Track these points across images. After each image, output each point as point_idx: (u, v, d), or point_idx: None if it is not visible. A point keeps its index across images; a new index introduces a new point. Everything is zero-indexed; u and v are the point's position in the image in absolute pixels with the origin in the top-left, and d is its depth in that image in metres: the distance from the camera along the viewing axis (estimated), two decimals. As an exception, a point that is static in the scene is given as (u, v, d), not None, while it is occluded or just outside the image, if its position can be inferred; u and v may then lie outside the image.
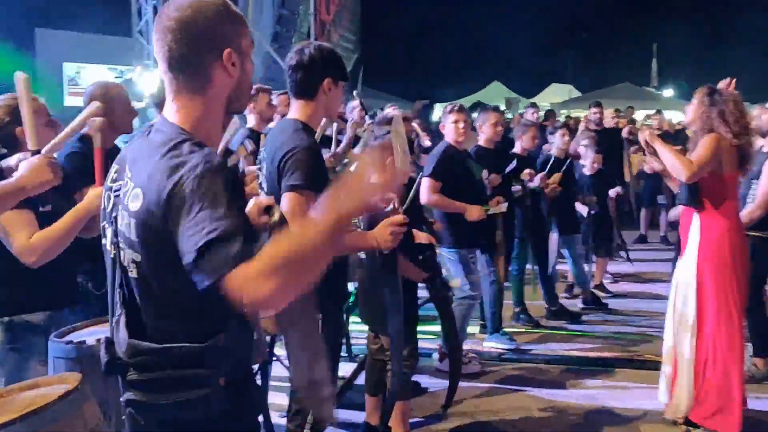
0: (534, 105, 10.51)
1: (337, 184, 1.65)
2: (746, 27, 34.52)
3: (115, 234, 1.75)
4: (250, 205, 2.41)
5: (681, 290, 4.23)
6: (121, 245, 1.73)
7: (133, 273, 1.72)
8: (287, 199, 2.79)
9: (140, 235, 1.66)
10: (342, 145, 5.87)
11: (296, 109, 3.02)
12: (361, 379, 4.58)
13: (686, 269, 4.20)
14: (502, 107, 23.24)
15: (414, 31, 33.81)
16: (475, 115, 6.68)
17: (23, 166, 2.51)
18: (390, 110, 8.08)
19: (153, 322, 1.73)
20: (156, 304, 1.71)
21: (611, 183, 7.63)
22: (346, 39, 17.23)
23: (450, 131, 5.34)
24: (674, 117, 20.16)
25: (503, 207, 5.53)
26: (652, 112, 19.86)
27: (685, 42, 36.62)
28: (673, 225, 7.97)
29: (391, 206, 3.29)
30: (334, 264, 2.93)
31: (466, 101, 25.65)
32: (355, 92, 9.12)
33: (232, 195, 1.60)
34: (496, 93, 26.80)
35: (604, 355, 5.71)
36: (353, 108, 7.75)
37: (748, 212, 4.88)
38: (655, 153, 4.31)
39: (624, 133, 10.11)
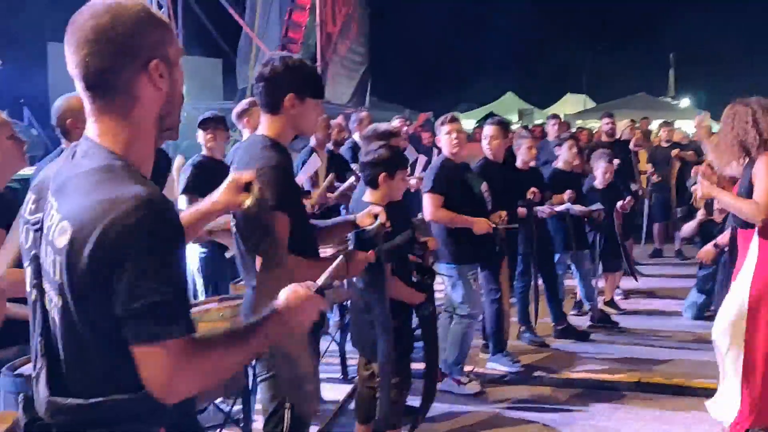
0: (555, 116, 10.24)
1: (286, 300, 1.71)
2: (764, 36, 34.16)
3: (37, 274, 1.54)
4: (228, 181, 2.22)
5: (731, 316, 3.93)
6: (44, 287, 1.52)
7: (56, 318, 1.50)
8: None
9: (67, 275, 1.44)
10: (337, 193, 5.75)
11: (264, 124, 2.83)
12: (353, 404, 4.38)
13: (738, 294, 3.90)
14: (515, 118, 23.10)
15: (425, 42, 33.72)
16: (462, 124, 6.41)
17: None
18: (395, 122, 7.94)
19: (79, 375, 1.50)
20: (83, 354, 1.49)
21: (622, 196, 7.36)
22: (353, 51, 17.11)
23: (445, 143, 5.16)
24: (690, 127, 19.89)
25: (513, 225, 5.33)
26: (668, 122, 19.57)
27: (702, 52, 36.29)
28: (688, 240, 7.75)
29: (377, 222, 3.10)
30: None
31: (480, 112, 25.53)
32: (361, 108, 9.02)
33: (174, 247, 1.45)
34: (509, 104, 26.64)
35: (612, 378, 5.46)
36: (358, 120, 7.60)
37: None
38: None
39: (631, 145, 9.88)
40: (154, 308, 1.40)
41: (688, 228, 5.09)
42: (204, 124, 5.14)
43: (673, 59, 32.61)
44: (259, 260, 2.36)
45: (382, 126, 5.46)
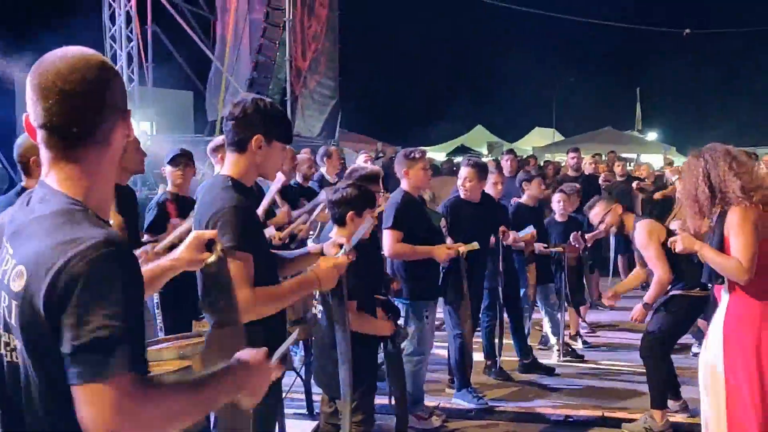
0: (511, 152, 10.39)
1: (243, 363, 1.72)
2: (729, 72, 35.02)
3: None
4: (190, 238, 2.22)
5: (708, 375, 3.80)
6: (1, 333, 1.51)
7: (10, 362, 1.49)
8: None
9: (22, 319, 1.43)
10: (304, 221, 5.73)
11: (228, 163, 2.84)
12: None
13: (713, 351, 3.75)
14: (485, 151, 23.35)
15: (394, 75, 34.07)
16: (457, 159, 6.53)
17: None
18: (361, 158, 7.99)
19: (32, 420, 1.48)
20: (37, 399, 1.47)
21: (584, 229, 7.43)
22: (323, 85, 17.24)
23: (415, 178, 5.15)
24: (656, 161, 20.25)
25: (475, 244, 5.29)
26: (634, 156, 19.96)
27: (668, 86, 37.07)
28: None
29: (342, 251, 3.10)
30: (270, 320, 2.77)
31: (450, 145, 25.82)
32: (331, 141, 9.07)
33: (128, 287, 1.43)
34: (479, 137, 26.96)
35: (577, 413, 5.48)
36: (326, 154, 7.64)
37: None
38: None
39: (600, 180, 10.03)
40: (99, 344, 1.36)
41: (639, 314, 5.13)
42: (174, 161, 5.11)
43: (639, 94, 33.29)
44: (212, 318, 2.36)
45: (367, 169, 5.42)
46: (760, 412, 3.60)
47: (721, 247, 3.69)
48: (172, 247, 3.98)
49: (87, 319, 1.37)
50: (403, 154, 5.25)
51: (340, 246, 3.09)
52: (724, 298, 3.74)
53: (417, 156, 5.17)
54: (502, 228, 6.00)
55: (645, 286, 9.67)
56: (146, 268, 2.19)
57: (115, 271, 1.42)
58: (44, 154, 1.57)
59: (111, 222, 1.64)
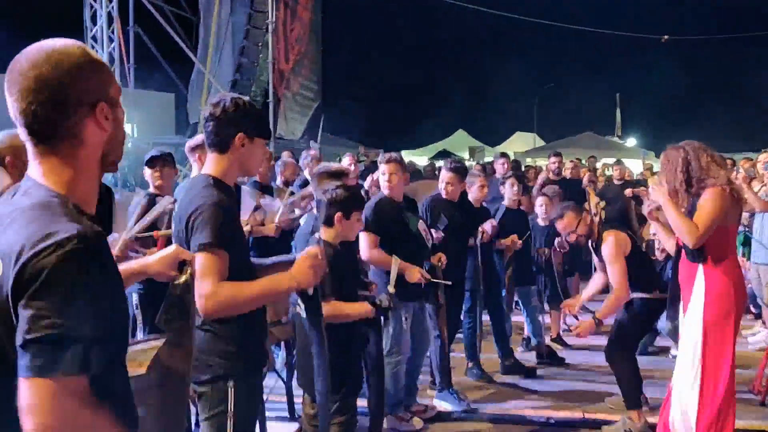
0: (504, 155, 10.41)
1: None
2: (708, 78, 35.42)
3: None
4: (169, 251, 2.22)
5: (688, 349, 4.07)
6: None
7: None
8: (197, 260, 2.60)
9: None
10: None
11: (209, 163, 2.84)
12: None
13: (692, 327, 4.06)
14: (466, 156, 23.40)
15: (377, 80, 34.14)
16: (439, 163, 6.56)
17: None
18: (345, 159, 7.99)
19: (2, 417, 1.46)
20: (8, 392, 1.43)
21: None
22: (306, 87, 17.22)
23: (383, 182, 5.12)
24: (636, 166, 20.42)
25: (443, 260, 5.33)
26: (613, 161, 20.08)
27: (647, 92, 37.39)
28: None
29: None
30: (249, 321, 2.76)
31: (431, 149, 25.84)
32: (312, 142, 9.05)
33: (96, 285, 1.41)
34: (460, 141, 27.02)
35: (559, 415, 5.50)
36: (308, 156, 7.64)
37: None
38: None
39: (584, 182, 10.08)
40: (51, 341, 1.34)
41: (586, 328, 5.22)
42: (151, 162, 5.07)
43: (619, 99, 33.58)
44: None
45: (334, 165, 5.47)
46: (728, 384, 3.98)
47: None
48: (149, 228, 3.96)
49: (43, 313, 1.34)
50: (386, 159, 5.20)
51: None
52: (699, 277, 4.01)
53: (383, 161, 5.18)
54: (481, 228, 6.02)
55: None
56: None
57: (83, 268, 1.40)
58: (27, 148, 1.58)
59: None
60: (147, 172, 5.10)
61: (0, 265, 1.42)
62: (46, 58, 1.52)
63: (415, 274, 4.85)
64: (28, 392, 1.34)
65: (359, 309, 3.68)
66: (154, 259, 2.23)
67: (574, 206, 5.50)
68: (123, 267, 2.20)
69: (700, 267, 4.02)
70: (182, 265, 2.20)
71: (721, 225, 3.91)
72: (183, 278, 2.16)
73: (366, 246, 4.86)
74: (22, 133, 1.56)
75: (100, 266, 1.45)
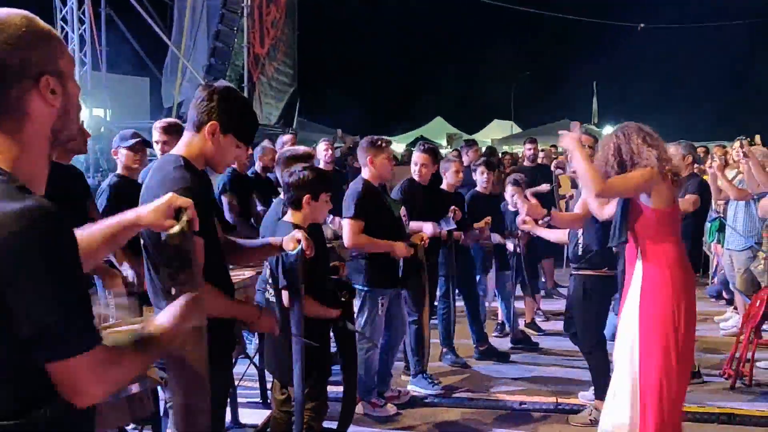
0: (470, 143, 10.37)
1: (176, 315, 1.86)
2: (683, 66, 35.69)
3: None
4: (162, 200, 2.10)
5: (624, 349, 3.94)
6: None
7: None
8: None
9: None
10: None
11: (182, 142, 2.77)
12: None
13: (629, 319, 3.92)
14: (444, 143, 23.41)
15: (355, 65, 33.98)
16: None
17: None
18: (321, 145, 7.91)
19: None
20: None
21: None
22: (281, 72, 17.06)
23: (380, 167, 5.08)
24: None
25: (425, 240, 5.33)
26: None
27: (624, 80, 37.62)
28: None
29: (299, 248, 3.07)
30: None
31: (409, 136, 25.80)
32: (289, 129, 8.96)
33: (65, 257, 1.42)
34: (438, 128, 27.02)
35: (531, 399, 5.51)
36: (283, 142, 7.56)
37: None
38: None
39: (552, 166, 10.08)
40: (55, 328, 1.40)
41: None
42: (133, 147, 4.96)
43: (596, 87, 33.74)
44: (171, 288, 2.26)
45: (300, 149, 5.41)
46: (674, 377, 3.78)
47: (627, 207, 3.92)
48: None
49: (37, 303, 1.38)
50: (369, 141, 5.10)
51: (298, 241, 3.06)
52: (637, 267, 3.90)
53: (383, 144, 5.10)
54: (452, 207, 6.00)
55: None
56: (106, 224, 2.10)
57: (53, 247, 1.39)
58: None
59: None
60: (127, 154, 4.97)
61: None
62: None
63: (403, 250, 4.88)
64: (59, 376, 1.45)
65: (327, 313, 3.70)
66: (147, 209, 2.11)
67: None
68: (115, 220, 2.13)
69: (639, 255, 3.90)
70: (177, 213, 2.09)
71: (654, 207, 3.82)
72: (179, 227, 2.04)
73: (350, 233, 4.82)
74: None
75: (66, 237, 1.44)
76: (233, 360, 4.13)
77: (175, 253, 2.04)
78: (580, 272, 5.01)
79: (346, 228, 4.86)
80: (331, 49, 30.52)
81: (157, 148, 5.24)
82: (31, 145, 1.53)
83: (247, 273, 4.55)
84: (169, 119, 5.76)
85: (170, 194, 2.13)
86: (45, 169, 1.60)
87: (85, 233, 2.06)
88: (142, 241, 2.66)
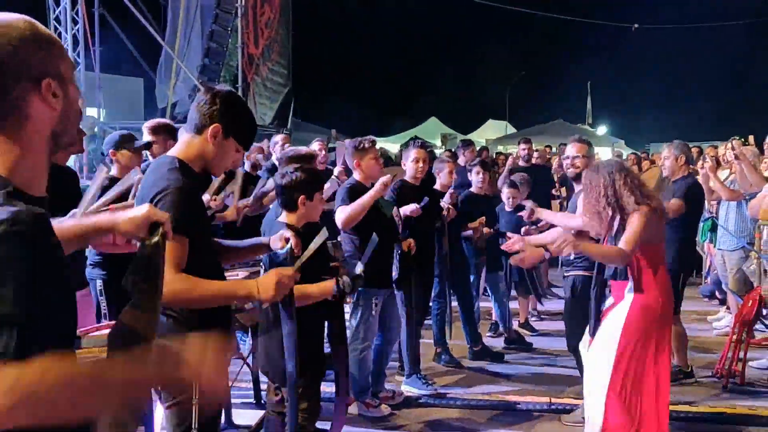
0: (467, 143, 10.39)
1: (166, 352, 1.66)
2: (676, 67, 35.77)
3: None
4: (141, 211, 2.06)
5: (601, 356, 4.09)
6: None
7: None
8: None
9: None
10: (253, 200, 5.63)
11: (180, 144, 2.77)
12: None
13: (610, 336, 4.07)
14: (438, 143, 23.43)
15: (349, 66, 33.98)
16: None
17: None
18: (314, 145, 7.91)
19: None
20: None
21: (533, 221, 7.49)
22: (275, 72, 17.06)
23: (367, 168, 5.08)
24: (606, 154, 20.57)
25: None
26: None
27: (618, 81, 37.69)
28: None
29: (288, 246, 3.07)
30: (215, 312, 2.70)
31: (403, 137, 25.79)
32: (284, 129, 8.95)
33: (31, 268, 1.37)
34: (433, 129, 27.03)
35: (526, 400, 5.52)
36: (276, 143, 7.56)
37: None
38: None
39: (554, 168, 10.11)
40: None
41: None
42: (138, 148, 4.93)
43: (590, 87, 33.79)
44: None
45: (303, 149, 5.42)
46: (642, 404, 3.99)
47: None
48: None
49: None
50: (353, 146, 5.10)
51: (287, 240, 3.06)
52: (627, 297, 4.08)
53: (367, 146, 5.08)
54: (447, 205, 6.01)
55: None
56: (81, 222, 2.10)
57: (15, 251, 1.35)
58: None
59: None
60: (127, 154, 4.93)
61: None
62: None
63: (381, 188, 4.84)
64: None
65: (323, 288, 3.60)
66: (124, 217, 2.07)
67: None
68: (91, 220, 2.11)
69: (631, 289, 4.09)
70: (154, 227, 2.07)
71: (650, 243, 4.00)
72: (154, 239, 2.02)
73: (343, 216, 4.81)
74: None
75: (35, 247, 1.40)
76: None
77: (144, 263, 2.04)
78: (571, 273, 5.06)
79: (339, 214, 4.84)
80: (325, 49, 30.52)
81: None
82: (32, 147, 1.53)
83: (242, 273, 4.55)
84: (158, 120, 5.74)
85: (148, 206, 2.10)
86: (45, 172, 1.60)
87: (56, 225, 2.07)
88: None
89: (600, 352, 4.09)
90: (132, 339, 1.72)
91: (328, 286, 3.58)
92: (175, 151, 2.75)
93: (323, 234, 3.24)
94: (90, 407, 1.43)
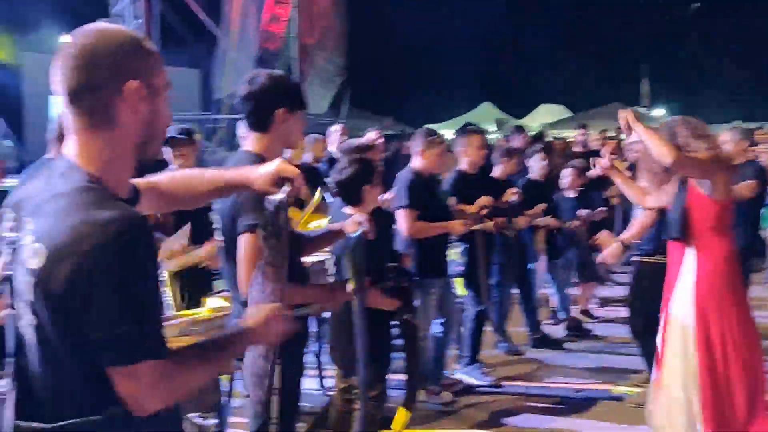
0: (520, 129, 10.33)
1: (252, 320, 1.85)
2: (738, 47, 34.67)
3: (12, 293, 1.56)
4: (271, 167, 2.14)
5: (678, 334, 3.93)
6: (17, 306, 1.54)
7: (28, 338, 1.52)
8: (243, 241, 2.61)
9: (39, 295, 1.46)
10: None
11: (251, 141, 2.85)
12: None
13: (683, 310, 3.90)
14: (492, 128, 23.25)
15: (402, 52, 33.83)
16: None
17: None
18: (370, 134, 7.97)
19: (47, 397, 1.52)
20: (51, 374, 1.51)
21: (594, 205, 7.41)
22: (331, 62, 17.17)
23: (429, 161, 5.13)
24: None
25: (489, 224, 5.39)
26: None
27: (677, 61, 36.71)
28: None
29: (360, 230, 3.11)
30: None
31: (456, 122, 25.63)
32: (338, 118, 9.02)
33: (141, 269, 1.48)
34: (485, 114, 26.78)
35: (585, 388, 5.51)
36: (333, 132, 7.64)
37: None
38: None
39: (605, 153, 9.95)
40: (125, 335, 1.45)
41: (627, 234, 4.98)
42: (171, 143, 4.93)
43: (647, 69, 32.99)
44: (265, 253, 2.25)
45: (360, 140, 5.49)
46: (734, 366, 3.77)
47: (685, 199, 3.91)
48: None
49: (108, 310, 1.43)
50: (425, 134, 5.23)
51: (359, 224, 3.12)
52: (689, 258, 3.89)
53: (438, 141, 5.20)
54: (514, 190, 6.04)
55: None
56: (216, 175, 2.19)
57: (128, 259, 1.45)
58: (66, 124, 1.62)
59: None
60: (167, 151, 4.98)
61: (42, 251, 1.46)
62: (95, 33, 1.58)
63: (459, 226, 4.97)
64: (121, 382, 1.48)
65: (388, 305, 3.64)
66: (257, 174, 2.15)
67: None
68: (224, 175, 2.19)
69: (693, 248, 3.90)
70: (282, 182, 2.14)
71: (715, 198, 3.80)
72: (281, 195, 2.10)
73: (407, 223, 4.86)
74: (64, 104, 1.59)
75: (145, 250, 1.50)
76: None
77: (273, 220, 2.12)
78: (636, 258, 5.04)
79: (401, 218, 4.91)
80: (378, 36, 30.45)
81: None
82: (118, 150, 1.60)
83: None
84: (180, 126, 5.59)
85: (280, 161, 2.17)
86: (130, 176, 1.69)
87: (196, 176, 2.19)
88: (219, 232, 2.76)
89: (676, 330, 3.93)
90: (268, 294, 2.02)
91: (392, 303, 3.62)
92: (250, 146, 2.83)
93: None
94: (199, 385, 1.69)
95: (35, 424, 1.50)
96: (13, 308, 1.55)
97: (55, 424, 1.48)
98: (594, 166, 5.10)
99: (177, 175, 2.25)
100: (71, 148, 1.59)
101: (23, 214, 1.57)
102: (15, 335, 1.56)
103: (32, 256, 1.47)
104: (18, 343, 1.55)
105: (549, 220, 6.57)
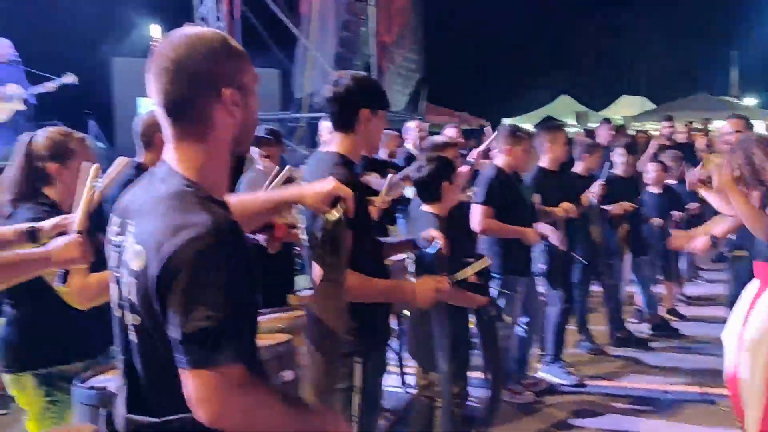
0: (607, 120, 10.07)
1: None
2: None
3: (119, 294, 1.64)
4: (326, 186, 2.21)
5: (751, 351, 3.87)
6: (123, 306, 1.63)
7: (133, 337, 1.60)
8: None
9: (139, 296, 1.53)
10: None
11: (336, 141, 2.91)
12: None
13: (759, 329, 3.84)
14: (571, 121, 22.81)
15: (479, 47, 33.54)
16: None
17: (58, 241, 2.40)
18: (449, 131, 7.96)
19: (153, 393, 1.59)
20: (156, 372, 1.58)
21: (680, 201, 7.19)
22: (408, 59, 17.18)
23: (515, 158, 5.10)
24: (758, 127, 19.29)
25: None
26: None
27: (766, 49, 35.16)
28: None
29: (437, 245, 3.13)
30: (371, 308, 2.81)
31: (535, 116, 25.28)
32: (415, 115, 9.02)
33: (235, 276, 1.49)
34: (564, 107, 26.27)
35: (673, 388, 5.38)
36: (410, 129, 7.65)
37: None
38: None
39: (700, 146, 9.61)
40: (206, 334, 1.44)
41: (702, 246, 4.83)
42: (258, 142, 5.04)
43: (736, 57, 31.73)
44: (319, 271, 2.33)
45: (440, 138, 5.50)
46: None
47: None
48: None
49: (192, 307, 1.44)
50: (510, 131, 5.20)
51: (434, 239, 3.13)
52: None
53: (523, 136, 5.17)
54: (600, 183, 5.97)
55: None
56: (268, 195, 2.29)
57: (221, 261, 1.47)
58: (164, 133, 1.67)
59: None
60: (254, 150, 5.10)
61: (142, 253, 1.52)
62: (185, 41, 1.62)
63: (533, 236, 4.93)
64: (193, 384, 1.45)
65: (472, 301, 3.55)
66: (311, 191, 2.23)
67: None
68: (278, 194, 2.28)
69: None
70: (336, 201, 2.18)
71: None
72: (335, 214, 2.15)
73: (480, 218, 4.85)
74: (159, 113, 1.66)
75: (236, 256, 1.53)
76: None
77: (328, 238, 2.17)
78: (729, 254, 4.93)
79: (475, 213, 4.90)
80: (455, 29, 30.30)
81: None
82: (215, 153, 1.66)
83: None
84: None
85: (333, 181, 2.24)
86: (226, 178, 1.73)
87: (248, 198, 2.26)
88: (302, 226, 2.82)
89: (753, 350, 3.85)
90: (326, 309, 2.05)
91: (477, 299, 3.55)
92: (334, 147, 2.88)
93: (486, 261, 3.31)
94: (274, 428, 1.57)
95: (144, 419, 1.58)
96: (122, 308, 1.63)
97: (162, 418, 1.55)
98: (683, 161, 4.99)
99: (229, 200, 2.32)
100: (170, 154, 1.66)
101: (127, 218, 1.65)
102: (122, 334, 1.64)
103: (134, 258, 1.54)
104: (125, 342, 1.64)
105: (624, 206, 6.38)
